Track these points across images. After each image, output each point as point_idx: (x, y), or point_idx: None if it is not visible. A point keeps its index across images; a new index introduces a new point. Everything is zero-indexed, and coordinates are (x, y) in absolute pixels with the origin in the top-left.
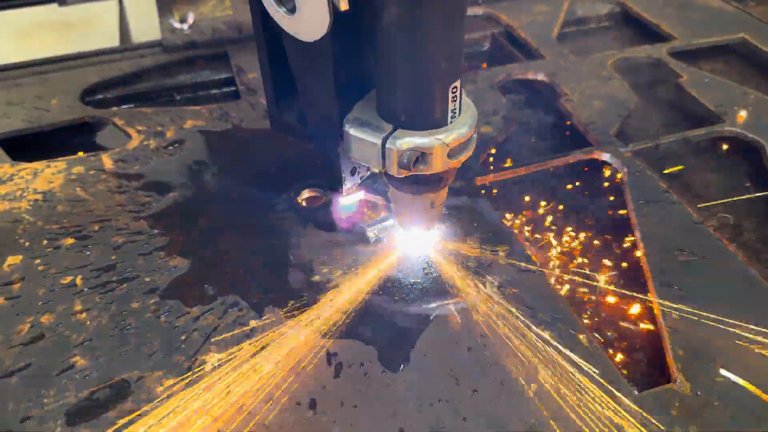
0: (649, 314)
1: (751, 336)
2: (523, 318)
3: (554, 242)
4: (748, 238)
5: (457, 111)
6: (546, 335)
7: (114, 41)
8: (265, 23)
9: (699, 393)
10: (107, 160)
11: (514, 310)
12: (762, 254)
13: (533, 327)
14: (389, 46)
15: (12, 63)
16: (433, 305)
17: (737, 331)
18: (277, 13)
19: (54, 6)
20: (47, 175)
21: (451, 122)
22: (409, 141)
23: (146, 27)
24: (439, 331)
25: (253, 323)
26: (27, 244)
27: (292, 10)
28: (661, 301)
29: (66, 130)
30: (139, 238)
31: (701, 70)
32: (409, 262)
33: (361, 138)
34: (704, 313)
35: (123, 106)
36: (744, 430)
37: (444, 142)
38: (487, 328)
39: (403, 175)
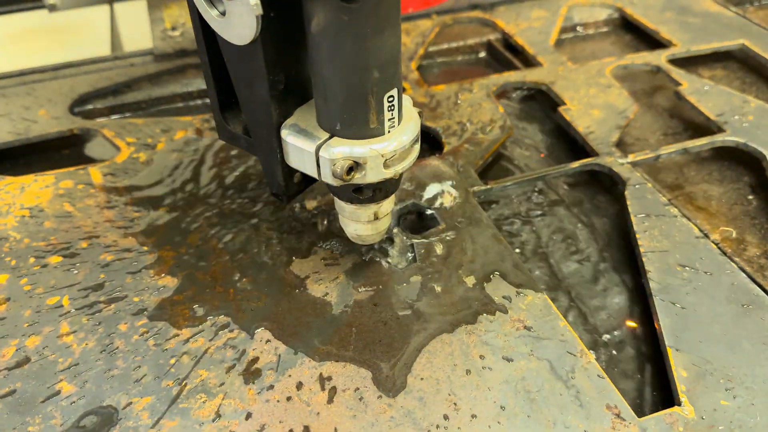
0: (651, 333)
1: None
2: (522, 339)
3: (552, 257)
4: (753, 253)
5: (395, 120)
6: (546, 356)
7: (105, 48)
8: (206, 28)
9: (704, 417)
10: (96, 174)
11: (513, 330)
12: (767, 270)
13: (533, 348)
14: (319, 53)
15: None
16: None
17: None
18: (210, 16)
19: (44, 12)
20: (34, 190)
21: (389, 132)
22: (342, 150)
23: (138, 34)
24: (436, 353)
25: (244, 346)
26: (13, 262)
27: (223, 14)
28: (663, 319)
29: (54, 142)
30: (128, 256)
31: (700, 77)
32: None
33: (296, 145)
34: (708, 332)
35: (113, 117)
36: None
37: (378, 153)
38: (485, 351)
39: (337, 185)
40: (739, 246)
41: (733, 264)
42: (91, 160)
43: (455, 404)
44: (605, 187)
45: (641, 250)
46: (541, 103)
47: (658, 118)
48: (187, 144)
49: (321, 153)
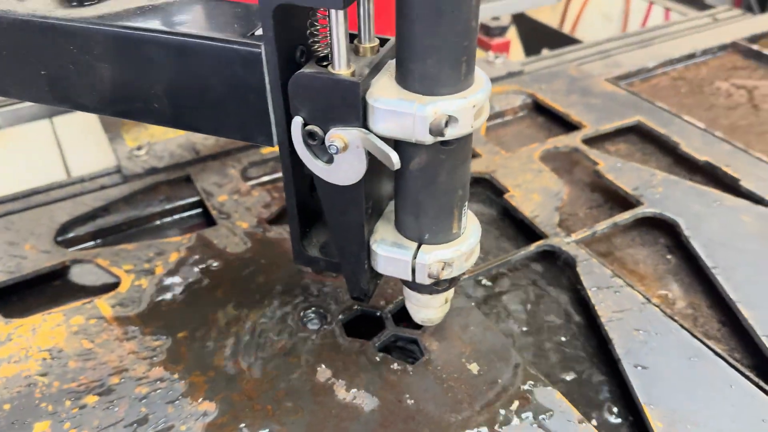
0: (625, 393)
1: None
2: (529, 413)
3: (530, 332)
4: (681, 305)
5: (465, 223)
6: (552, 427)
7: (59, 164)
8: (296, 177)
9: None
10: (104, 306)
11: (520, 408)
12: (699, 319)
13: (540, 420)
14: (416, 183)
15: None
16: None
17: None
18: (316, 166)
19: None
20: (47, 330)
21: (462, 233)
22: (436, 255)
23: (86, 148)
24: None
25: None
26: (50, 408)
27: (329, 162)
28: (633, 380)
29: (47, 275)
30: (162, 386)
31: (610, 153)
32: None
33: (392, 257)
34: (669, 386)
35: (92, 242)
36: None
37: (463, 252)
38: (505, 429)
39: (430, 282)
40: (669, 301)
41: (674, 323)
42: (84, 289)
43: None
44: (554, 263)
45: (602, 320)
46: (487, 192)
47: (581, 193)
48: (184, 265)
49: (417, 260)
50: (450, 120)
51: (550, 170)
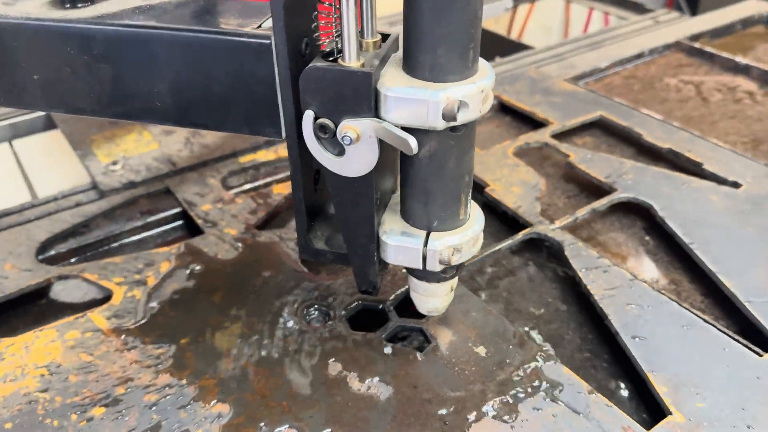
0: (629, 362)
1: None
2: (542, 390)
3: (528, 315)
4: (664, 282)
5: (469, 209)
6: (564, 400)
7: (22, 186)
8: (305, 172)
9: (690, 419)
10: (99, 319)
11: (532, 384)
12: (681, 294)
13: (552, 396)
14: (426, 171)
15: None
16: None
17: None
18: (326, 159)
19: None
20: (41, 347)
21: (468, 219)
22: (445, 241)
23: (50, 169)
24: (483, 416)
25: None
26: (55, 423)
27: (339, 154)
28: (634, 350)
29: (29, 294)
30: (171, 392)
31: (577, 145)
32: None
33: (403, 246)
34: (668, 353)
35: (74, 259)
36: None
37: (471, 237)
38: (520, 407)
39: (440, 269)
40: (652, 280)
41: (663, 296)
42: (71, 306)
43: None
44: (540, 250)
45: (596, 298)
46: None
47: (557, 184)
48: (176, 274)
49: (428, 248)
50: (461, 105)
51: (525, 164)
